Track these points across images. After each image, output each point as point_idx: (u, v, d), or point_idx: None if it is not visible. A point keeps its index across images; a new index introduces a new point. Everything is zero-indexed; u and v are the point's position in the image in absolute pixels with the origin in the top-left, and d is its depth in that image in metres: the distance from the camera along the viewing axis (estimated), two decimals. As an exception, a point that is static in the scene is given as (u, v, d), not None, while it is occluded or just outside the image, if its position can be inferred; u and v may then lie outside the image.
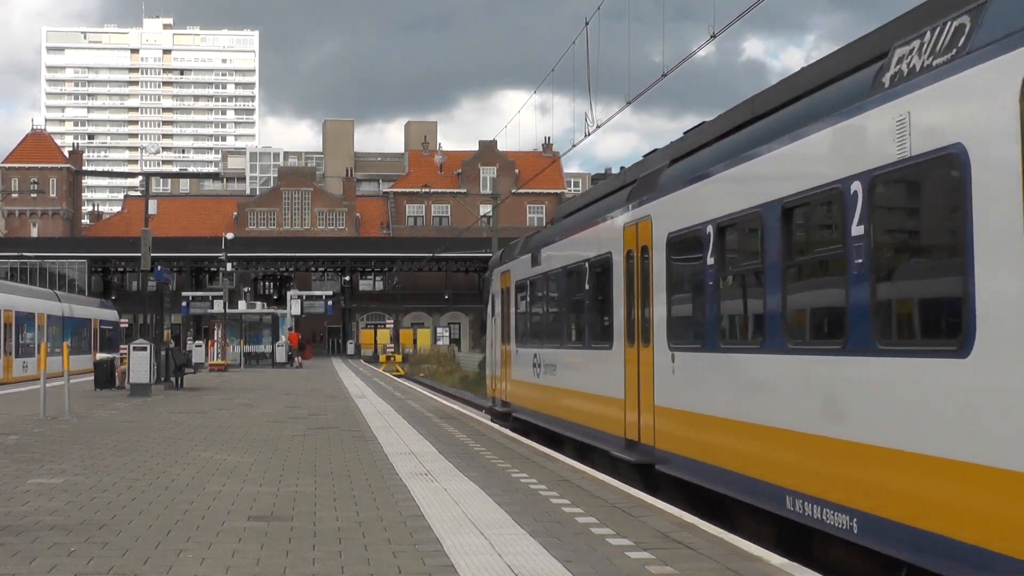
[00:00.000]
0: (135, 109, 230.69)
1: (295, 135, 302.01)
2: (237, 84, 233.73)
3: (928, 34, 7.73)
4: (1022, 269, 6.40)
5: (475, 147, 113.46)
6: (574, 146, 27.89)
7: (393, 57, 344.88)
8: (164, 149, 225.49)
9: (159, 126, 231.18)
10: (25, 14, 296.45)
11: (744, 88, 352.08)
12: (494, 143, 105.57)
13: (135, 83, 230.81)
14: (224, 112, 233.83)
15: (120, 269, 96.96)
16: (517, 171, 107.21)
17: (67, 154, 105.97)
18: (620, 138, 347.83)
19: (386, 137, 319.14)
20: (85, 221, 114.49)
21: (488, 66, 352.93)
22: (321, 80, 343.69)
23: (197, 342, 56.47)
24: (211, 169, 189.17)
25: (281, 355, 60.83)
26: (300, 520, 9.74)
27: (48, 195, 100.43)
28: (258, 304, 72.95)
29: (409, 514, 10.07)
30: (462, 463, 14.14)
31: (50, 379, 24.60)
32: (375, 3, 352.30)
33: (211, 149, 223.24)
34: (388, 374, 55.93)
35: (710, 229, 11.36)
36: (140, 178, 43.48)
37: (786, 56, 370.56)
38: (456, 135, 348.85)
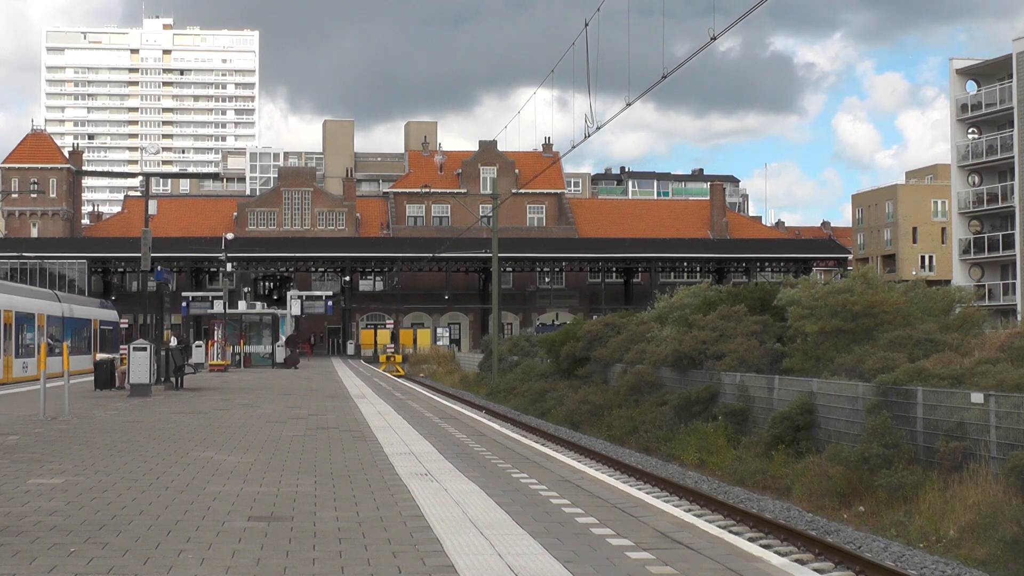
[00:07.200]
0: (135, 109, 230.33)
1: (314, 133, 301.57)
2: (237, 84, 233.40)
3: None
4: None
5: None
6: (574, 147, 27.91)
7: (414, 54, 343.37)
8: (164, 149, 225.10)
9: (159, 126, 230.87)
10: (47, 12, 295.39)
11: (770, 84, 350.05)
12: (494, 143, 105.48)
13: (135, 83, 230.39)
14: (224, 112, 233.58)
15: (120, 269, 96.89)
16: (517, 171, 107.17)
17: (67, 154, 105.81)
18: (636, 137, 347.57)
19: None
20: (85, 221, 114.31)
21: (509, 63, 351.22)
22: (341, 78, 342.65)
23: (197, 343, 56.44)
24: (211, 169, 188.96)
25: (281, 355, 60.85)
26: (300, 520, 9.74)
27: (48, 195, 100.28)
28: (258, 304, 72.91)
29: (409, 514, 10.07)
30: (462, 463, 14.14)
31: (50, 379, 24.60)
32: (396, 0, 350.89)
33: (211, 149, 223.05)
34: (388, 374, 55.92)
35: None
36: (140, 178, 43.40)
37: (812, 53, 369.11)
38: (475, 132, 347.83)
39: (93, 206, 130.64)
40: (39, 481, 12.27)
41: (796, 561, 13.76)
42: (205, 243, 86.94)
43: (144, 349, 29.04)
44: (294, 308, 72.72)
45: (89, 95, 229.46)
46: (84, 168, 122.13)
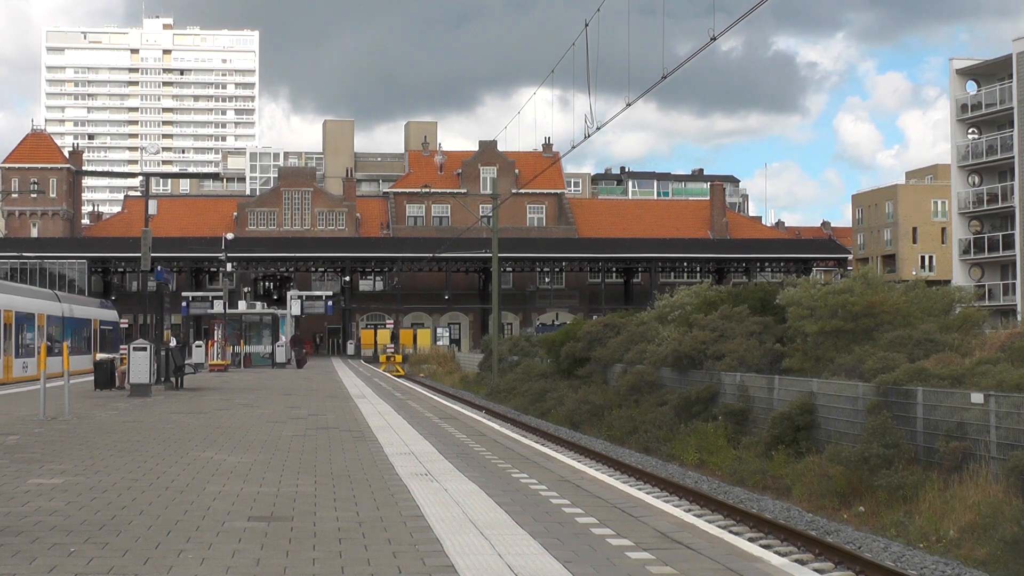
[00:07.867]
0: (135, 109, 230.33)
1: (315, 133, 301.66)
2: (237, 84, 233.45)
3: None
4: None
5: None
6: (574, 147, 27.91)
7: (415, 54, 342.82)
8: (164, 149, 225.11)
9: (159, 126, 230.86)
10: (48, 11, 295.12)
11: (772, 84, 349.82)
12: (494, 143, 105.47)
13: (135, 83, 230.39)
14: (224, 112, 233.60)
15: (120, 269, 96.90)
16: (517, 171, 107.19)
17: (67, 154, 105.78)
18: (637, 137, 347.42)
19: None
20: (85, 221, 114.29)
21: (510, 63, 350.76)
22: (341, 78, 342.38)
23: (197, 343, 56.43)
24: (211, 169, 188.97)
25: (281, 355, 60.83)
26: (300, 520, 9.74)
27: (48, 195, 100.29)
28: (258, 304, 72.93)
29: (409, 514, 10.07)
30: (462, 463, 14.13)
31: (50, 379, 24.60)
32: (396, 0, 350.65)
33: (211, 149, 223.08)
34: (388, 374, 55.91)
35: None
36: (140, 178, 43.39)
37: (814, 53, 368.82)
38: (476, 132, 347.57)
39: (93, 206, 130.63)
40: (39, 481, 12.27)
41: (796, 561, 13.76)
42: (205, 243, 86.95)
43: (144, 349, 29.03)
44: (294, 308, 72.70)
45: (89, 95, 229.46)
46: (84, 168, 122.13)
